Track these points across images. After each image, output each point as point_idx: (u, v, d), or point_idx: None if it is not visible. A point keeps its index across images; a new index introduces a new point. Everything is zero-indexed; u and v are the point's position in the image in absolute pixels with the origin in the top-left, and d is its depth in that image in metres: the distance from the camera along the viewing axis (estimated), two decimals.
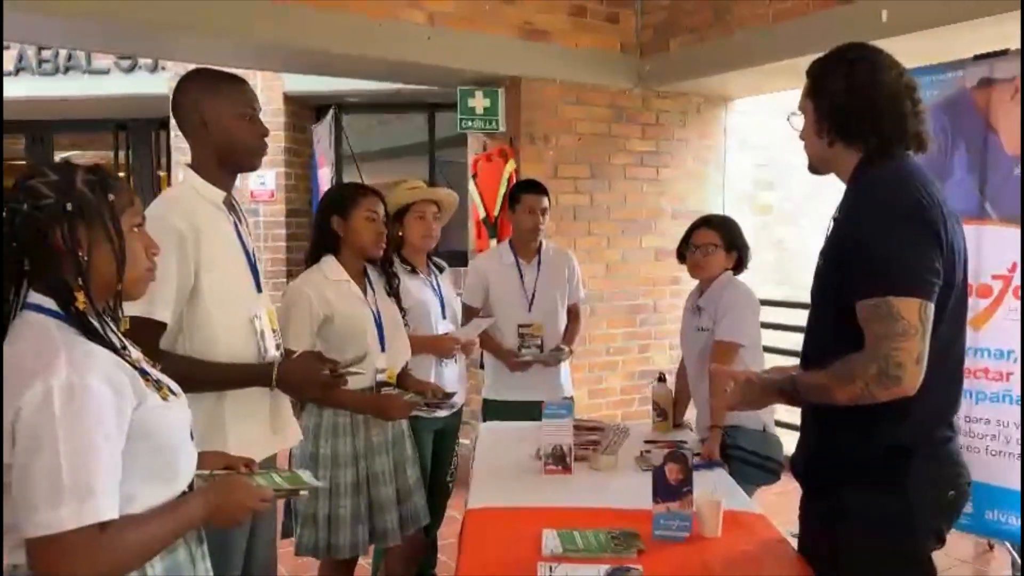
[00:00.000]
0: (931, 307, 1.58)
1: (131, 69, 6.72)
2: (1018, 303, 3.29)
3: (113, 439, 1.21)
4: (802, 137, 1.86)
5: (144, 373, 1.33)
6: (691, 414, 3.15)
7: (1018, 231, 3.26)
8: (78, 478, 1.15)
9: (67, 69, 6.76)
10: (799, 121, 1.85)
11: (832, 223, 1.80)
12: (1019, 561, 3.57)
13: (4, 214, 1.27)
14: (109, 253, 1.31)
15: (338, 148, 5.68)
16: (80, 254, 1.28)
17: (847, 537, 1.67)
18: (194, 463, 1.42)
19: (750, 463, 2.73)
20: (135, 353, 1.38)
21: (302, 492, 1.69)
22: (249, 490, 1.48)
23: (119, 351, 1.30)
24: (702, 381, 2.89)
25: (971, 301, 3.22)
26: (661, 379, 2.99)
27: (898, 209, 1.61)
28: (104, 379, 1.22)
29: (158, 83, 6.50)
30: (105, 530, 1.19)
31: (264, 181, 6.24)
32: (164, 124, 7.00)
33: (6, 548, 1.26)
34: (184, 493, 1.38)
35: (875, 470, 1.66)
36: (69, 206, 1.27)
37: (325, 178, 5.73)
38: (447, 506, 3.33)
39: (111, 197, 1.31)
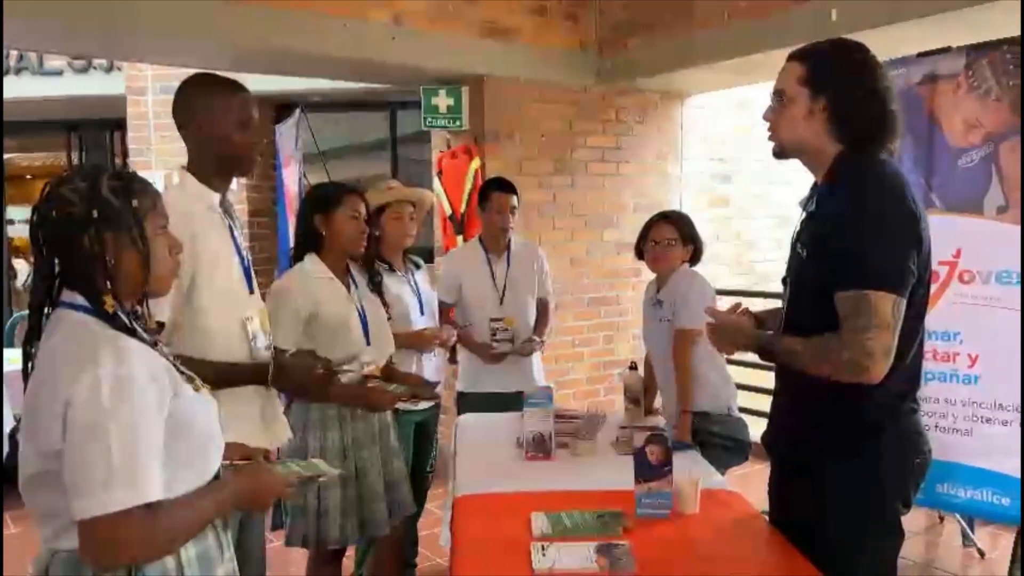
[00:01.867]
0: (903, 303, 1.70)
1: (84, 70, 6.61)
2: (963, 287, 3.48)
3: (156, 427, 1.29)
4: (770, 119, 1.89)
5: (175, 366, 1.41)
6: (658, 402, 3.28)
7: (961, 219, 3.46)
8: (127, 463, 1.23)
9: (18, 70, 6.62)
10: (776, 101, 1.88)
11: (806, 214, 1.90)
12: (970, 532, 3.78)
13: (35, 219, 1.34)
14: (134, 256, 1.37)
15: (305, 147, 5.69)
16: (107, 258, 1.34)
17: (827, 505, 1.79)
18: (222, 451, 1.49)
19: (720, 446, 2.85)
20: (164, 348, 1.46)
21: (320, 479, 1.77)
22: (276, 477, 1.57)
23: (152, 346, 1.38)
24: (668, 370, 3.01)
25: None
26: (633, 367, 3.11)
27: (889, 212, 1.71)
28: (146, 371, 1.30)
29: (113, 84, 6.42)
30: (151, 511, 1.27)
31: None
32: (119, 125, 6.89)
33: (49, 533, 1.33)
34: (213, 480, 1.45)
35: (852, 443, 1.79)
36: (95, 213, 1.33)
37: (291, 178, 5.72)
38: (426, 497, 3.40)
39: (135, 202, 1.38)
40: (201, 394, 1.45)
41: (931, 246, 1.80)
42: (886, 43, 3.67)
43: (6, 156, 8.24)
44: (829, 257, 1.73)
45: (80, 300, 1.35)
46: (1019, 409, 3.33)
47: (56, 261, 1.36)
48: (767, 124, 1.91)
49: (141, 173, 2.01)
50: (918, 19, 3.48)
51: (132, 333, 1.35)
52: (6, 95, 6.64)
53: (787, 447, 1.96)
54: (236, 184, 6.24)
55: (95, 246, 1.33)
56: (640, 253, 3.17)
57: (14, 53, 6.58)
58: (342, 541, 2.56)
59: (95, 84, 6.58)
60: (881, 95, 1.78)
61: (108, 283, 1.34)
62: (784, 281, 2.00)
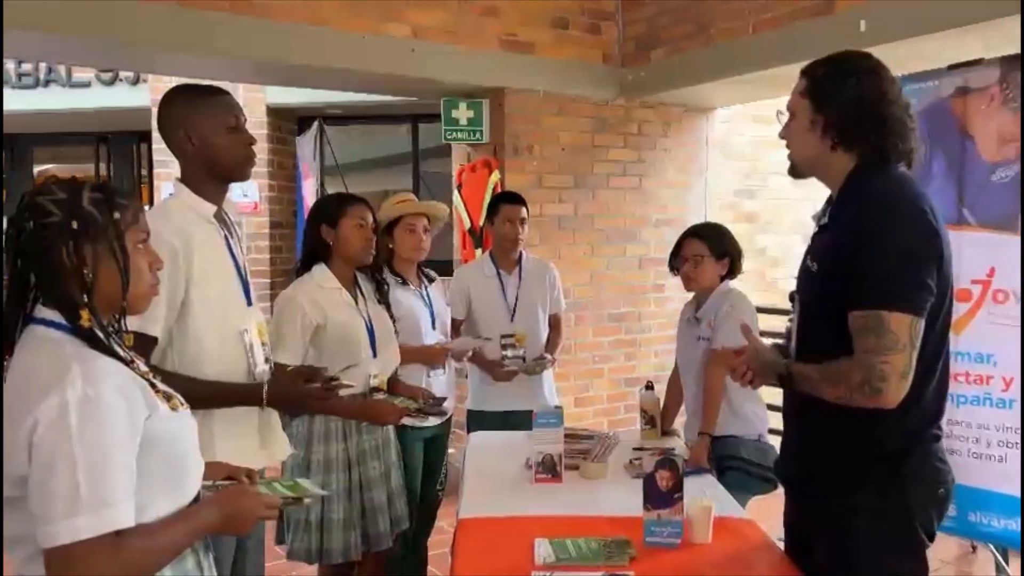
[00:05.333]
0: (922, 323, 1.60)
1: (112, 82, 6.69)
2: (997, 307, 3.34)
3: (127, 449, 1.24)
4: (784, 136, 1.87)
5: (152, 384, 1.36)
6: (679, 422, 3.17)
7: (995, 235, 3.33)
8: (95, 488, 1.18)
9: (47, 82, 6.72)
10: (786, 119, 1.86)
11: (819, 228, 1.83)
12: (1003, 563, 3.63)
13: (10, 231, 1.30)
14: (114, 270, 1.33)
15: (322, 160, 5.68)
16: (85, 271, 1.30)
17: (848, 537, 1.71)
18: (201, 473, 1.44)
19: (748, 473, 2.74)
20: (142, 366, 1.41)
21: (306, 500, 1.73)
22: (257, 499, 1.51)
23: (128, 363, 1.33)
24: (698, 390, 2.90)
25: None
26: (649, 387, 3.01)
27: (906, 227, 1.63)
28: (117, 391, 1.25)
29: (139, 96, 6.49)
30: (121, 538, 1.21)
31: (247, 193, 6.23)
32: (145, 137, 6.98)
33: (18, 560, 1.28)
34: (193, 502, 1.39)
35: (876, 472, 1.70)
36: (75, 224, 1.29)
37: (309, 190, 5.74)
38: (436, 516, 3.33)
39: (116, 215, 1.33)
40: (179, 413, 1.39)
41: (952, 262, 1.72)
42: (917, 55, 3.59)
43: (40, 167, 8.37)
44: (842, 273, 1.65)
45: (54, 316, 1.30)
46: None
47: (31, 274, 1.31)
48: (784, 143, 1.89)
49: (167, 184, 2.01)
50: (950, 30, 3.36)
51: (108, 350, 1.30)
52: (37, 107, 6.76)
53: (805, 476, 1.87)
54: (257, 195, 6.33)
55: (73, 258, 1.29)
56: (675, 269, 3.07)
57: (43, 66, 6.68)
58: (345, 555, 2.52)
59: (122, 96, 6.66)
60: (875, 103, 1.72)
61: (85, 297, 1.30)
62: (791, 298, 1.93)
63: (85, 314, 1.30)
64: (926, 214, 1.66)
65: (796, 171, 1.87)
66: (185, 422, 1.40)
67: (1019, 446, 3.29)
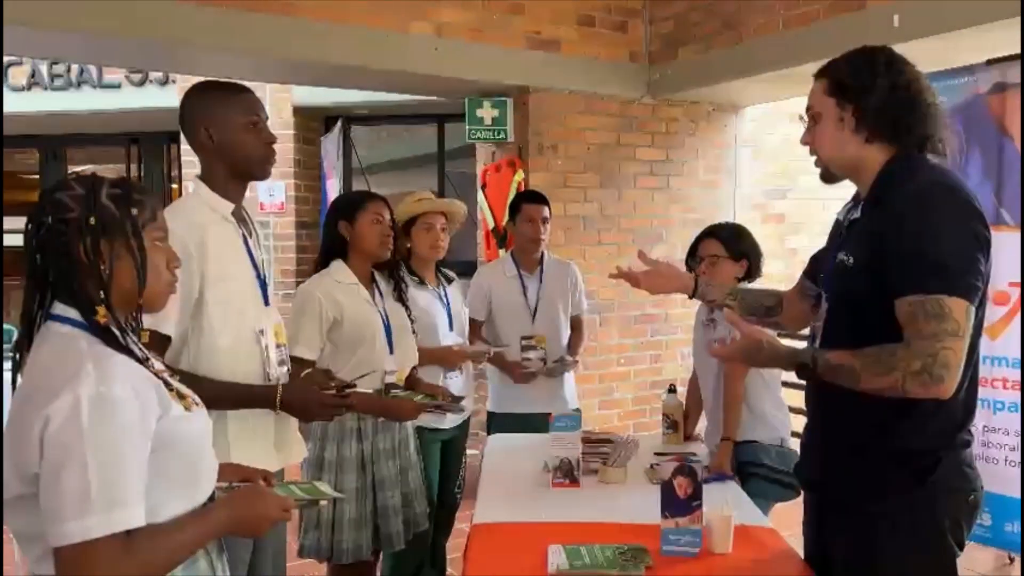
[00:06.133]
0: (974, 311, 1.55)
1: (142, 83, 6.76)
2: None
3: (139, 448, 1.22)
4: (808, 142, 1.80)
5: (167, 384, 1.34)
6: (701, 426, 3.10)
7: None
8: (106, 487, 1.17)
9: (79, 84, 6.81)
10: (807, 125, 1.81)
11: (848, 223, 1.77)
12: None
13: (30, 226, 1.29)
14: (130, 267, 1.32)
15: (347, 160, 5.68)
16: (102, 267, 1.29)
17: (874, 547, 1.64)
18: (215, 473, 1.42)
19: (770, 479, 2.66)
20: (157, 364, 1.39)
21: (322, 502, 1.73)
22: (271, 500, 1.48)
23: (143, 362, 1.31)
24: (716, 394, 2.83)
25: (988, 309, 3.20)
26: (672, 390, 2.95)
27: (953, 210, 1.57)
28: (130, 389, 1.23)
29: (169, 96, 6.53)
30: (132, 538, 1.20)
31: (274, 193, 6.25)
32: (175, 137, 7.05)
33: (31, 558, 1.27)
34: (206, 503, 1.38)
35: (902, 476, 1.63)
36: (92, 220, 1.28)
37: (334, 190, 5.74)
38: (454, 518, 3.30)
39: (134, 211, 1.32)
40: (193, 413, 1.37)
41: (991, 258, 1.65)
42: (953, 50, 3.48)
43: (75, 168, 8.50)
44: (884, 263, 1.58)
45: (71, 313, 1.29)
46: None
47: (49, 270, 1.31)
48: (808, 148, 1.82)
49: (191, 184, 2.00)
50: (987, 24, 3.24)
51: (123, 348, 1.29)
52: (69, 108, 6.86)
53: (828, 481, 1.80)
54: (283, 195, 6.35)
55: (91, 254, 1.28)
56: (690, 269, 2.99)
57: (75, 67, 6.77)
58: (355, 554, 2.50)
59: (151, 97, 6.72)
60: (910, 90, 1.67)
61: (102, 293, 1.29)
62: (818, 297, 1.86)
63: (101, 311, 1.28)
64: (973, 201, 1.61)
65: (829, 175, 1.81)
66: (199, 422, 1.39)
67: None
